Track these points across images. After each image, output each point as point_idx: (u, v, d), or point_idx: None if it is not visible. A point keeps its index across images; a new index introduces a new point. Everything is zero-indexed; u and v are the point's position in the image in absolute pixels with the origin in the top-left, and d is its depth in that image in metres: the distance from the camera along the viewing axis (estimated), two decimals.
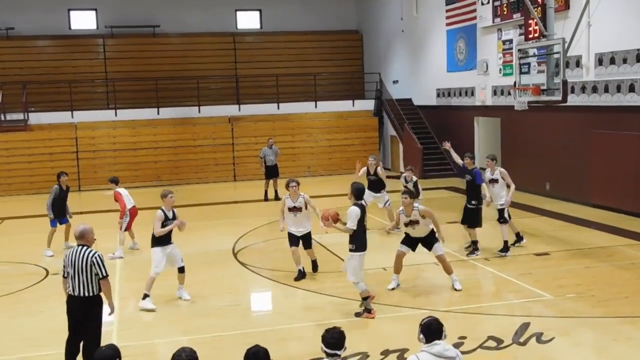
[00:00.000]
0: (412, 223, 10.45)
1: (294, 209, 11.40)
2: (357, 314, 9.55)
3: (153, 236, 10.31)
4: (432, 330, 5.60)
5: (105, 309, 7.53)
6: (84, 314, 7.31)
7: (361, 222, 9.26)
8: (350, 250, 9.38)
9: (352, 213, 9.24)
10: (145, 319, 9.86)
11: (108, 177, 14.89)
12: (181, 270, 10.59)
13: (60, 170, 14.97)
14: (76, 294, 7.25)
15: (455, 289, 10.62)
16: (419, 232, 10.58)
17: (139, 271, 11.97)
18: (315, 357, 7.43)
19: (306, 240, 11.61)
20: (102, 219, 17.91)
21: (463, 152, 13.60)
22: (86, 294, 7.23)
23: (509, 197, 12.84)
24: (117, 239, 13.71)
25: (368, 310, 9.49)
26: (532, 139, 19.78)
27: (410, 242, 10.74)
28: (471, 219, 12.84)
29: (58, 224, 14.17)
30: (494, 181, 12.88)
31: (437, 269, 12.17)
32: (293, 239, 11.49)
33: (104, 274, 7.29)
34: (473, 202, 12.75)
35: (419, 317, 6.24)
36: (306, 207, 11.39)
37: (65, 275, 7.41)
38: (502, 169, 13.07)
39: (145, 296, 10.26)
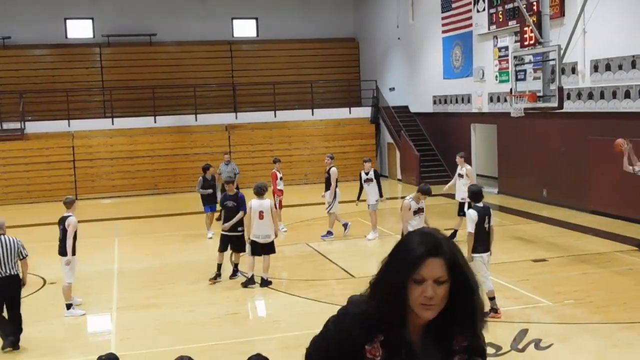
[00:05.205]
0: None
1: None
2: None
3: (69, 245, 10.27)
4: None
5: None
6: (11, 291, 8.94)
7: (480, 224, 9.45)
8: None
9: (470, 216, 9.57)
10: (143, 328, 9.84)
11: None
12: None
13: (206, 163, 16.82)
14: (4, 275, 8.83)
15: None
16: None
17: (135, 280, 11.95)
18: None
19: None
20: (99, 228, 17.91)
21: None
22: (13, 273, 8.92)
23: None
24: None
25: (494, 310, 9.42)
26: (529, 145, 19.82)
27: None
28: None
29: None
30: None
31: None
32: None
33: (26, 254, 9.09)
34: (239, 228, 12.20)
35: None
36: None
37: None
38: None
39: (70, 306, 10.31)
